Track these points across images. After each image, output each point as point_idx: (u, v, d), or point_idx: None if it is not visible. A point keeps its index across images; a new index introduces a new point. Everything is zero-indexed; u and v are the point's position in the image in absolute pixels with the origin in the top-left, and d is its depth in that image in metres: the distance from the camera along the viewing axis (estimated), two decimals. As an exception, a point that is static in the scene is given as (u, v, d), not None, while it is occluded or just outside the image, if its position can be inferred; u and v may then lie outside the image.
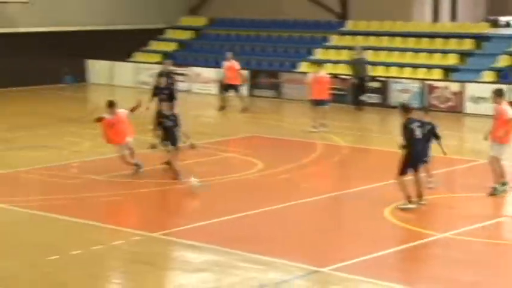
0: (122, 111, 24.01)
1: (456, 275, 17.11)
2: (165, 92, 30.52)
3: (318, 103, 30.99)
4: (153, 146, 23.63)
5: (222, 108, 36.83)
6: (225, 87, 36.31)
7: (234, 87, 35.94)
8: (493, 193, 22.35)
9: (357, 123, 36.38)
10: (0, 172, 24.10)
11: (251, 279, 16.33)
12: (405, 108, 22.05)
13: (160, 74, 31.99)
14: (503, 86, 36.94)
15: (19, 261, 17.55)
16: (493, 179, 22.67)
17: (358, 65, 38.63)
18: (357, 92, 39.38)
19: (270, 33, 46.02)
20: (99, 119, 24.09)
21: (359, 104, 39.20)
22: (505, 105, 22.94)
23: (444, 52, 41.00)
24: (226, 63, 37.10)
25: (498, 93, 23.50)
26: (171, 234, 19.35)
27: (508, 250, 19.86)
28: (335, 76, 40.63)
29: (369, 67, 40.06)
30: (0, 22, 42.55)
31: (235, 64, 37.28)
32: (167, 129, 23.25)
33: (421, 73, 39.83)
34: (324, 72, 32.53)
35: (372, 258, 17.61)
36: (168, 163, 24.04)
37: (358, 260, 17.47)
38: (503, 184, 22.35)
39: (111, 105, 24.34)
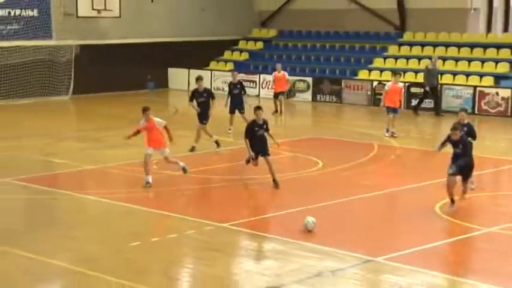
0: (156, 119, 23.41)
1: (501, 266, 16.93)
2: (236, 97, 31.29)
3: (391, 110, 30.90)
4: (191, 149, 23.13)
5: (275, 112, 36.89)
6: (275, 94, 36.24)
7: (282, 93, 35.91)
8: None
9: (412, 126, 36.19)
10: (90, 168, 24.46)
11: (309, 266, 16.59)
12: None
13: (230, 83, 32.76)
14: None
15: (106, 247, 18.17)
16: None
17: (431, 74, 38.32)
18: (425, 98, 38.97)
19: (333, 43, 45.99)
20: (135, 133, 23.81)
21: (417, 110, 38.89)
22: None
23: (495, 61, 40.73)
24: (275, 73, 37.15)
25: None
26: (238, 225, 19.65)
27: None
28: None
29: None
30: (94, 35, 43.09)
31: (284, 73, 37.46)
32: (258, 137, 22.81)
33: (473, 80, 39.56)
34: (399, 81, 32.26)
35: (422, 249, 17.75)
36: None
37: (410, 251, 17.64)
38: None
39: (144, 110, 23.45)
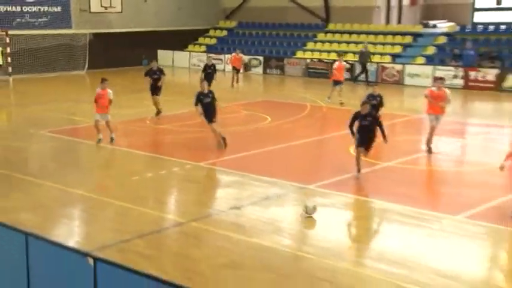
0: (109, 90, 22.20)
1: (396, 189, 17.45)
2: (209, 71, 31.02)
3: (336, 83, 30.35)
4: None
5: (233, 82, 35.98)
6: (234, 69, 35.80)
7: (238, 70, 35.64)
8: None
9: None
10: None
11: (260, 192, 17.10)
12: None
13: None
14: (430, 67, 37.55)
15: (113, 180, 18.65)
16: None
17: (363, 54, 38.45)
18: (360, 73, 38.50)
19: (278, 31, 46.08)
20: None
21: (356, 81, 38.35)
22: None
23: (392, 44, 41.09)
24: (234, 55, 36.62)
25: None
26: (210, 163, 20.01)
27: (431, 173, 20.47)
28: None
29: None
30: (103, 25, 43.22)
31: (241, 56, 36.96)
32: (205, 104, 21.53)
33: (376, 58, 39.80)
34: (342, 60, 32.17)
35: (341, 179, 18.04)
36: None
37: (332, 180, 17.95)
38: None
39: (103, 80, 22.45)
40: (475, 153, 21.44)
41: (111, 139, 21.96)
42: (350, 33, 43.67)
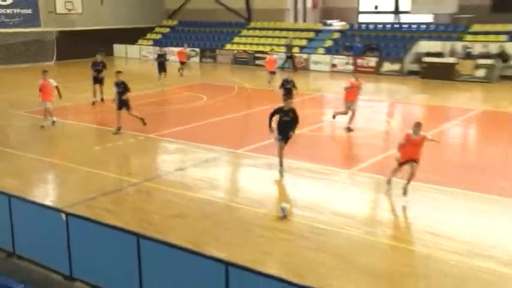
0: (50, 80, 20.81)
1: (307, 151, 17.46)
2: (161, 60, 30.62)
3: (271, 73, 29.38)
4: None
5: (180, 71, 34.16)
6: (181, 62, 34.88)
7: (184, 63, 34.61)
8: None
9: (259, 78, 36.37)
10: (69, 104, 23.99)
11: (200, 157, 17.08)
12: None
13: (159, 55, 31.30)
14: (328, 56, 37.88)
15: (79, 150, 18.13)
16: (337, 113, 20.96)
17: (288, 46, 37.89)
18: (287, 61, 37.68)
19: (211, 29, 45.71)
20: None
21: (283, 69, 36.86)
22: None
23: (299, 38, 41.17)
24: (181, 49, 35.45)
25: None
26: (159, 135, 19.77)
27: (332, 137, 20.47)
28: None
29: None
30: (67, 24, 42.34)
31: (187, 50, 35.71)
32: (117, 94, 19.78)
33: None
34: (273, 54, 31.83)
35: (263, 144, 17.77)
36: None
37: (255, 146, 17.98)
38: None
39: (44, 72, 20.95)
40: (363, 122, 21.70)
41: (53, 122, 20.91)
42: (267, 29, 43.66)
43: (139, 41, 47.24)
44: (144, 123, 20.10)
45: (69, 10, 42.88)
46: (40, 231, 9.88)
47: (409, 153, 13.14)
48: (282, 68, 35.82)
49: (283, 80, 22.09)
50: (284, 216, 12.14)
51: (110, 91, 22.28)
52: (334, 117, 21.16)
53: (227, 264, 7.89)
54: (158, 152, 18.43)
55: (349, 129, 20.17)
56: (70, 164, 16.42)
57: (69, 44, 41.60)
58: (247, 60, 40.54)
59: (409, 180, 13.24)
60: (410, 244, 11.25)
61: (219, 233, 11.53)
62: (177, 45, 41.26)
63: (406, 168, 13.37)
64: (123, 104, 19.79)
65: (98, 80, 25.08)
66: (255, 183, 14.99)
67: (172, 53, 38.01)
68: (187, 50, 35.02)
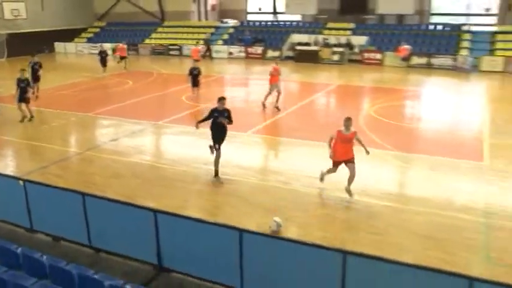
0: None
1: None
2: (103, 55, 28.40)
3: (195, 60, 27.91)
4: None
5: (120, 63, 30.86)
6: (121, 57, 31.51)
7: (125, 58, 32.44)
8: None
9: (173, 65, 35.70)
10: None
11: (130, 129, 16.56)
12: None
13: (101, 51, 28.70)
14: (226, 46, 37.63)
15: (31, 129, 17.10)
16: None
17: (206, 41, 36.61)
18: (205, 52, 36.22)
19: (132, 28, 44.01)
20: None
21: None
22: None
23: (203, 33, 40.46)
24: (121, 45, 33.29)
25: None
26: (97, 113, 18.88)
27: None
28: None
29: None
30: (15, 28, 39.55)
31: (125, 46, 33.56)
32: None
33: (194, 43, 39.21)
34: (199, 45, 31.06)
35: (177, 117, 17.80)
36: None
37: (172, 118, 17.67)
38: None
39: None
40: (256, 96, 21.77)
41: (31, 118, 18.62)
42: (177, 27, 42.64)
43: (75, 39, 44.88)
44: (31, 119, 17.79)
45: (16, 16, 40.05)
46: (3, 196, 9.38)
47: (342, 152, 10.40)
48: (203, 56, 35.30)
49: (190, 68, 21.09)
50: (277, 230, 9.12)
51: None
52: (264, 104, 19.35)
53: (155, 211, 7.78)
54: (96, 127, 17.62)
55: (277, 109, 18.87)
56: (23, 140, 15.64)
57: (17, 43, 38.86)
58: (163, 51, 39.50)
59: (349, 182, 10.48)
60: (292, 185, 11.42)
61: (148, 188, 11.30)
62: (107, 42, 39.70)
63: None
64: (23, 98, 17.50)
65: (35, 79, 21.80)
66: (174, 147, 14.82)
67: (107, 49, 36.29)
68: (125, 45, 33.08)
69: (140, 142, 15.24)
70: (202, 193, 11.02)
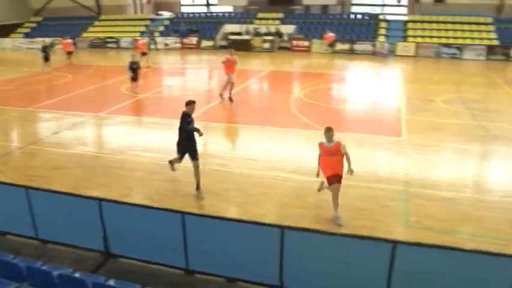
0: None
1: (151, 109, 17.07)
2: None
3: (142, 54, 25.95)
4: None
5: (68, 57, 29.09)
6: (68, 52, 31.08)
7: (70, 53, 30.43)
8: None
9: (110, 57, 34.49)
10: None
11: (71, 121, 15.79)
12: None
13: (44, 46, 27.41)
14: (162, 38, 36.82)
15: None
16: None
17: (152, 34, 36.01)
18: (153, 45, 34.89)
19: (69, 22, 42.05)
20: None
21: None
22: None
23: (139, 26, 39.50)
24: (66, 40, 31.52)
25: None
26: (37, 107, 17.91)
27: (145, 99, 20.02)
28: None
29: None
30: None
31: (71, 41, 31.58)
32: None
33: (131, 34, 38.23)
34: (144, 39, 29.93)
35: (118, 107, 17.29)
36: None
37: (113, 109, 17.13)
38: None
39: None
40: (192, 84, 21.51)
41: None
42: (113, 20, 41.27)
43: (12, 35, 42.55)
44: None
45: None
46: None
47: (330, 166, 8.51)
48: (149, 49, 34.36)
49: (130, 63, 19.69)
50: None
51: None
52: (221, 95, 18.14)
53: (100, 200, 7.57)
54: (37, 121, 16.72)
55: (231, 99, 17.77)
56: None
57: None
58: (100, 44, 38.22)
59: (335, 205, 8.60)
60: (230, 167, 11.39)
61: (92, 178, 10.91)
62: (45, 37, 37.80)
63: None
64: None
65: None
66: (114, 136, 14.38)
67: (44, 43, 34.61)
68: (70, 40, 31.05)
69: (82, 134, 14.66)
70: (144, 180, 10.78)
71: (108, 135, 14.82)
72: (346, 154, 8.50)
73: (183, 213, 7.05)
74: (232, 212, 9.20)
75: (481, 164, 11.82)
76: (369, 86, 22.81)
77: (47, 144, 13.53)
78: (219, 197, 9.79)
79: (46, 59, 26.54)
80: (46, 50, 26.76)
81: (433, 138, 13.45)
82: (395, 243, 6.12)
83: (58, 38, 32.14)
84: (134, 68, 20.13)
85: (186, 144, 9.60)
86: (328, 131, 8.54)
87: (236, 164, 11.56)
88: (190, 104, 9.64)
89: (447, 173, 11.01)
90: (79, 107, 17.87)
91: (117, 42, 37.95)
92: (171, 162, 10.09)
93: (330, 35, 31.86)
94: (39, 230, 8.04)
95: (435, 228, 8.40)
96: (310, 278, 6.53)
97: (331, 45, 31.92)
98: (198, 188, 9.81)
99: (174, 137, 13.14)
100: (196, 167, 9.73)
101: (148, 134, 14.54)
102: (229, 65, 17.71)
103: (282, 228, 6.56)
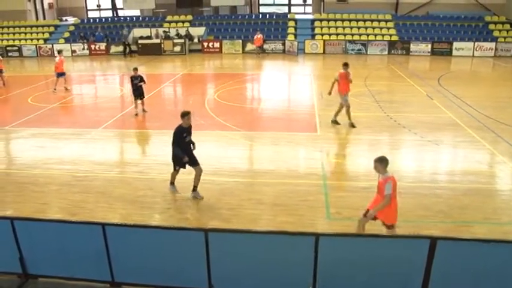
0: None
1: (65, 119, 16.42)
2: None
3: (59, 75, 21.81)
4: None
5: None
6: None
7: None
8: None
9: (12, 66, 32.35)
10: None
11: None
12: None
13: None
14: (68, 44, 35.23)
15: None
16: None
17: (125, 36, 33.78)
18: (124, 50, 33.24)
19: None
20: None
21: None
22: None
23: (42, 33, 37.44)
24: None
25: None
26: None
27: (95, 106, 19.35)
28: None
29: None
30: None
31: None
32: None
33: (34, 42, 36.22)
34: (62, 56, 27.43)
35: (24, 120, 16.30)
36: None
37: (19, 121, 16.08)
38: None
39: None
40: (103, 91, 20.73)
41: None
42: (13, 27, 38.73)
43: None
44: None
45: None
46: None
47: (373, 201, 7.48)
48: (124, 56, 32.75)
49: (131, 77, 16.50)
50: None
51: None
52: (335, 122, 14.63)
53: (12, 219, 7.12)
54: (13, 140, 14.94)
55: (353, 125, 14.30)
56: None
57: None
58: (1, 53, 35.04)
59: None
60: (149, 174, 11.18)
61: (2, 197, 10.23)
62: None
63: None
64: None
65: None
66: (24, 151, 13.45)
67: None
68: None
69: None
70: (60, 193, 10.29)
71: (17, 150, 13.82)
72: (384, 197, 7.08)
73: (103, 224, 6.82)
74: (155, 219, 9.05)
75: (392, 152, 12.49)
76: (281, 84, 23.34)
77: None
78: (141, 204, 9.60)
79: None
80: None
81: (346, 132, 14.04)
82: (317, 235, 6.32)
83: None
84: (136, 83, 16.44)
85: (183, 156, 9.25)
86: (385, 162, 7.10)
87: (154, 170, 11.35)
88: (185, 115, 9.23)
89: (362, 163, 11.51)
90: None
91: (19, 50, 35.74)
92: (172, 183, 10.01)
93: (259, 36, 31.99)
94: None
95: (355, 218, 8.77)
96: (237, 278, 6.57)
97: (261, 46, 32.03)
98: (195, 189, 9.75)
99: (88, 146, 12.72)
100: (200, 171, 9.58)
101: (59, 146, 13.82)
102: (345, 82, 14.18)
103: (205, 231, 6.54)
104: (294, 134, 13.99)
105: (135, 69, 16.72)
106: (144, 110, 16.87)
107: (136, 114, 16.55)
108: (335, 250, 6.25)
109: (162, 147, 12.94)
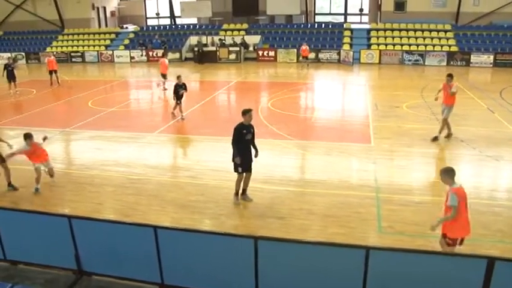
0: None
1: (120, 123, 16.61)
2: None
3: (51, 72, 24.70)
4: None
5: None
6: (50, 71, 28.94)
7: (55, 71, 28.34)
8: None
9: (75, 71, 33.86)
10: None
11: (35, 137, 15.35)
12: None
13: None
14: (128, 51, 36.35)
15: None
16: None
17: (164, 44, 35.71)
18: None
19: (32, 36, 41.18)
20: None
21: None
22: None
23: (104, 39, 38.93)
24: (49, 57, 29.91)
25: None
26: (1, 125, 17.71)
27: (137, 111, 19.52)
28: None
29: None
30: None
31: (52, 58, 29.40)
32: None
33: (96, 48, 37.77)
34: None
35: (83, 123, 17.04)
36: None
37: (79, 124, 16.77)
38: None
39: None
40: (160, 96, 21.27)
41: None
42: (78, 34, 40.59)
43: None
44: None
45: None
46: None
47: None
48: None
49: (175, 85, 16.93)
50: None
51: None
52: (436, 138, 13.86)
53: (69, 217, 7.37)
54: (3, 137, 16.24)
55: (435, 138, 13.78)
56: None
57: None
58: (66, 59, 37.30)
59: None
60: (201, 180, 11.31)
61: (61, 195, 10.65)
62: (5, 51, 36.95)
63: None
64: None
65: None
66: (83, 152, 13.95)
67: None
68: (53, 58, 26.73)
69: (49, 150, 14.18)
70: (114, 194, 10.58)
71: (76, 151, 14.44)
72: (448, 209, 6.85)
73: (155, 227, 6.93)
74: (206, 224, 9.13)
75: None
76: (336, 94, 23.10)
77: (12, 162, 13.07)
78: (192, 209, 9.72)
79: (12, 77, 23.43)
80: (9, 68, 23.49)
81: (401, 144, 13.70)
82: (368, 248, 6.17)
83: (21, 53, 31.32)
84: (179, 92, 17.01)
85: (245, 156, 9.24)
86: (440, 173, 6.95)
87: (206, 175, 11.48)
88: (247, 112, 9.24)
89: (416, 177, 11.20)
90: (45, 122, 17.41)
91: (82, 56, 37.34)
92: (237, 194, 9.83)
93: (304, 48, 31.86)
94: (8, 251, 7.77)
95: (407, 233, 8.53)
96: (285, 286, 6.51)
97: (307, 57, 31.85)
98: (244, 192, 9.81)
99: (143, 150, 13.04)
100: (250, 174, 9.66)
101: (116, 148, 14.25)
102: (446, 93, 13.54)
103: (255, 238, 6.52)
104: (347, 144, 13.78)
105: (179, 77, 17.10)
106: (173, 114, 17.43)
107: (182, 118, 17.03)
108: (386, 264, 6.07)
109: (214, 153, 13.10)
